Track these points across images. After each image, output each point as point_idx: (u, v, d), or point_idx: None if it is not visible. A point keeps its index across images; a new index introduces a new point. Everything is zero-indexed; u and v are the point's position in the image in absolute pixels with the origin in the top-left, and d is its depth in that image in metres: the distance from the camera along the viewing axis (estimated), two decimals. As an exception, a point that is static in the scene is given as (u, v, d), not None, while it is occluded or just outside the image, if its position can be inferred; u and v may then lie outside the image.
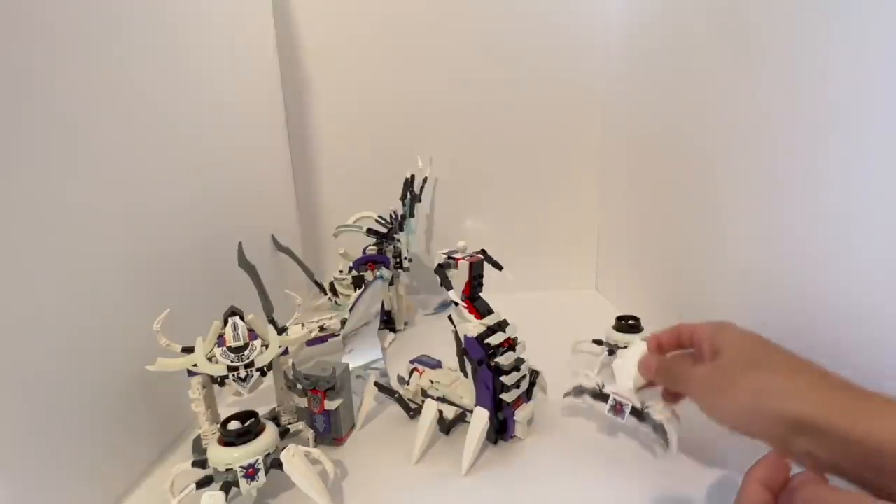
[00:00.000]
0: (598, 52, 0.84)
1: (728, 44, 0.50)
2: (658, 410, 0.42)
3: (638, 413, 0.43)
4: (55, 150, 0.36)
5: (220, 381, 0.43)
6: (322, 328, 0.65)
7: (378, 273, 0.70)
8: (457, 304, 0.46)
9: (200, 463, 0.39)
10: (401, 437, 0.48)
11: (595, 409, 0.48)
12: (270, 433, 0.40)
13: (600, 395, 0.44)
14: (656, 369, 0.40)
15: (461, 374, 0.50)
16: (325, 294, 0.77)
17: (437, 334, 0.73)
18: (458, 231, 0.92)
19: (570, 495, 0.41)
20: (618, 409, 0.43)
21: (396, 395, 0.51)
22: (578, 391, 0.46)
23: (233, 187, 0.65)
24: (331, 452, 0.46)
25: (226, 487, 0.37)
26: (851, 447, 0.26)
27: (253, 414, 0.40)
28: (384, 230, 0.77)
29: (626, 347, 0.56)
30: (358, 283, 0.72)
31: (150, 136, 0.48)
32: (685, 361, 0.39)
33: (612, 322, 0.60)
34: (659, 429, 0.41)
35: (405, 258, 0.78)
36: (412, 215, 0.79)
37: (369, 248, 0.76)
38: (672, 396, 0.42)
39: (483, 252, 0.48)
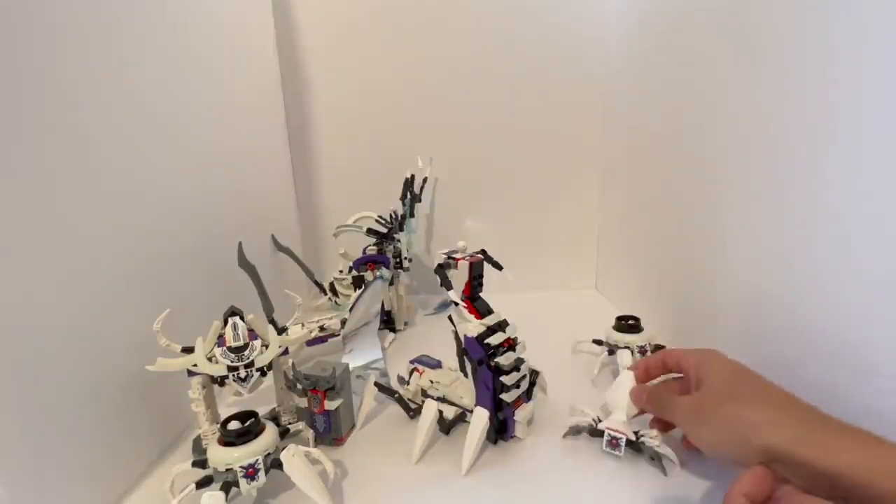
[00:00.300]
0: (598, 51, 0.84)
1: (728, 43, 0.50)
2: (652, 437, 0.43)
3: (633, 444, 0.44)
4: (55, 150, 0.36)
5: (220, 381, 0.43)
6: (322, 328, 0.65)
7: (378, 273, 0.70)
8: (457, 304, 0.46)
9: (200, 463, 0.39)
10: (401, 437, 0.48)
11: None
12: (270, 433, 0.40)
13: (596, 432, 0.45)
14: (647, 398, 0.43)
15: (461, 374, 0.50)
16: (325, 294, 0.77)
17: (437, 334, 0.73)
18: (458, 231, 0.92)
19: (570, 495, 0.41)
20: (614, 444, 0.44)
21: (396, 395, 0.51)
22: (576, 430, 0.47)
23: (233, 187, 0.65)
24: (331, 452, 0.46)
25: (226, 487, 0.37)
26: (819, 476, 0.28)
27: (253, 414, 0.40)
28: (384, 230, 0.77)
29: (626, 347, 0.56)
30: (358, 283, 0.72)
31: (150, 136, 0.48)
32: (672, 390, 0.43)
33: (612, 322, 0.60)
34: (655, 458, 0.42)
35: (405, 258, 0.78)
36: (412, 215, 0.79)
37: (369, 248, 0.76)
38: (662, 424, 0.44)
39: (483, 252, 0.48)
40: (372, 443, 0.49)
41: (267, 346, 0.44)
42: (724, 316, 0.53)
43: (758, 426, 0.32)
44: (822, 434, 0.30)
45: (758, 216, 0.46)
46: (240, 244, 0.51)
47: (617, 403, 0.46)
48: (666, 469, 0.42)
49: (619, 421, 0.45)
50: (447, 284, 0.46)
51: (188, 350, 0.42)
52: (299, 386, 0.46)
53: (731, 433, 0.34)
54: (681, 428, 0.40)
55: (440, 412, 0.47)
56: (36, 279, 0.34)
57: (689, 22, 0.58)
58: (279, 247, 0.77)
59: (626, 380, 0.48)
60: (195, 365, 0.41)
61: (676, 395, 0.41)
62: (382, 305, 0.71)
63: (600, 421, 0.45)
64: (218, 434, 0.39)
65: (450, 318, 0.48)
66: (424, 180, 0.82)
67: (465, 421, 0.46)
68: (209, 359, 0.41)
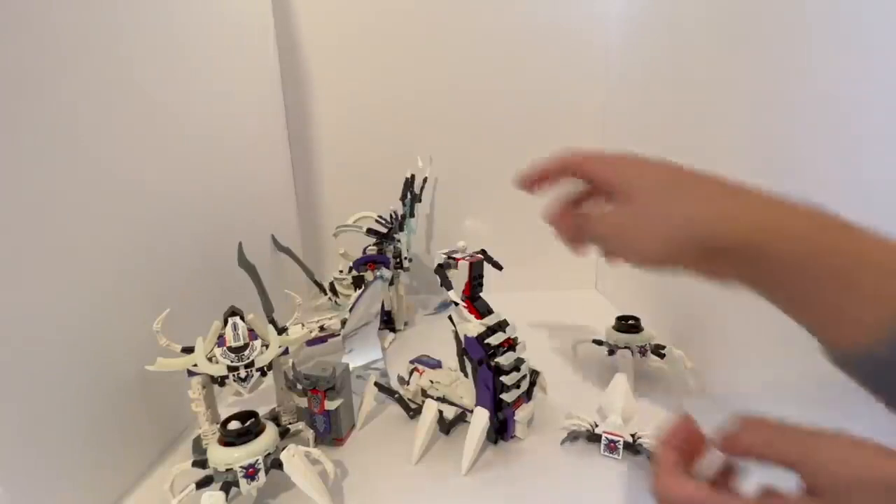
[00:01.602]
0: (598, 52, 0.84)
1: (728, 43, 0.50)
2: (649, 437, 0.43)
3: (631, 447, 0.44)
4: (56, 149, 0.36)
5: (220, 381, 0.43)
6: (322, 328, 0.65)
7: (378, 273, 0.70)
8: (457, 304, 0.46)
9: (200, 463, 0.39)
10: (401, 437, 0.48)
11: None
12: (270, 433, 0.40)
13: (594, 437, 0.45)
14: (557, 223, 0.36)
15: (461, 374, 0.50)
16: (325, 294, 0.77)
17: (437, 334, 0.73)
18: (458, 231, 0.92)
19: (570, 495, 0.41)
20: (612, 447, 0.44)
21: (396, 395, 0.51)
22: (573, 436, 0.47)
23: (233, 187, 0.65)
24: (331, 452, 0.46)
25: (226, 487, 0.37)
26: (761, 263, 0.27)
27: (253, 414, 0.40)
28: (384, 230, 0.77)
29: (626, 348, 0.56)
30: (358, 283, 0.72)
31: (151, 136, 0.48)
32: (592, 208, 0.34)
33: (612, 322, 0.60)
34: (653, 458, 0.42)
35: (405, 258, 0.78)
36: (412, 215, 0.79)
37: (369, 248, 0.76)
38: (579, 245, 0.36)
39: (483, 252, 0.48)
40: (372, 443, 0.49)
41: (267, 346, 0.43)
42: (723, 316, 0.53)
43: (697, 218, 0.28)
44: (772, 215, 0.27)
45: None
46: (240, 244, 0.51)
47: (613, 406, 0.46)
48: None
49: (615, 424, 0.45)
50: (447, 284, 0.46)
51: (188, 350, 0.42)
52: (299, 386, 0.46)
53: (668, 231, 0.29)
54: (607, 245, 0.33)
55: (440, 412, 0.47)
56: (36, 279, 0.34)
57: (689, 22, 0.58)
58: (279, 247, 0.77)
59: (621, 383, 0.48)
60: (195, 365, 0.41)
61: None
62: (382, 305, 0.71)
63: (596, 426, 0.46)
64: (218, 434, 0.39)
65: (450, 318, 0.48)
66: (424, 180, 0.82)
67: (465, 421, 0.46)
68: (209, 359, 0.41)
